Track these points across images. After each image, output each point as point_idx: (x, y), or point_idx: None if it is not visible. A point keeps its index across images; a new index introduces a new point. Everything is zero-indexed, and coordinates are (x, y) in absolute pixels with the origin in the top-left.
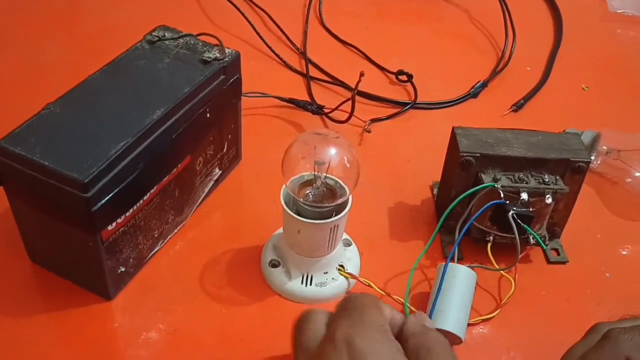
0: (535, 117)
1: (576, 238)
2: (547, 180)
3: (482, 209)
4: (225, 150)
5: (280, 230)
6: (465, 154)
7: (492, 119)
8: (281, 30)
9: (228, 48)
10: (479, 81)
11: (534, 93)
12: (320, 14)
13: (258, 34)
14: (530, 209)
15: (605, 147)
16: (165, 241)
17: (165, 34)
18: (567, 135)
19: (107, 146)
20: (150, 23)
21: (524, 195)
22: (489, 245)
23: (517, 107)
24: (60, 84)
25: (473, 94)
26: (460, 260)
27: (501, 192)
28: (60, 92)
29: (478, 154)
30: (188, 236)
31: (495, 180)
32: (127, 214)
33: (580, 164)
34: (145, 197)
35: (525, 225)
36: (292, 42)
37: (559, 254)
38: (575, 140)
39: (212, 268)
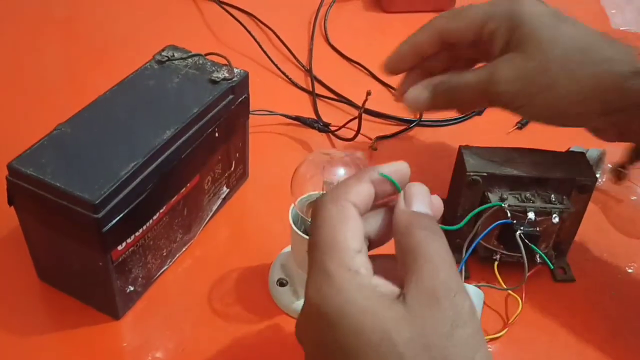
0: (540, 135)
1: (582, 256)
2: (553, 199)
3: (489, 229)
4: (232, 168)
5: (288, 248)
6: (472, 174)
7: (497, 136)
8: (287, 47)
9: (236, 68)
10: None
11: None
12: (325, 31)
13: (264, 51)
14: (537, 229)
15: (610, 165)
16: (174, 260)
17: (175, 54)
18: (573, 154)
19: (117, 167)
20: (155, 39)
21: (531, 215)
22: (496, 264)
23: (522, 124)
24: (65, 101)
25: (478, 111)
26: (467, 279)
27: (508, 211)
28: (64, 109)
29: (485, 174)
30: (196, 254)
31: (502, 199)
32: (137, 233)
33: (586, 182)
34: (154, 217)
35: (532, 245)
36: (297, 60)
37: (565, 273)
38: (581, 159)
39: (219, 286)
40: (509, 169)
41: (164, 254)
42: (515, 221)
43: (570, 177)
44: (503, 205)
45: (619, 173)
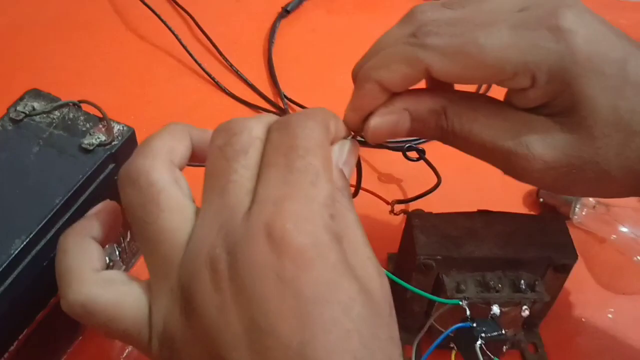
0: None
1: (558, 323)
2: (523, 286)
3: (445, 334)
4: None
5: None
6: (424, 257)
7: None
8: (215, 45)
9: (118, 123)
10: None
11: None
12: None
13: (184, 46)
14: (503, 332)
15: (592, 199)
16: None
17: (35, 106)
18: (549, 219)
19: None
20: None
21: (496, 309)
22: (454, 353)
23: None
24: None
25: None
26: None
27: (467, 309)
28: None
29: (439, 257)
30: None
31: (459, 290)
32: None
33: (565, 262)
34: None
35: (495, 358)
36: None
37: (537, 351)
38: (559, 228)
39: None
40: (470, 247)
41: None
42: (475, 324)
43: (546, 256)
44: (461, 303)
45: None
